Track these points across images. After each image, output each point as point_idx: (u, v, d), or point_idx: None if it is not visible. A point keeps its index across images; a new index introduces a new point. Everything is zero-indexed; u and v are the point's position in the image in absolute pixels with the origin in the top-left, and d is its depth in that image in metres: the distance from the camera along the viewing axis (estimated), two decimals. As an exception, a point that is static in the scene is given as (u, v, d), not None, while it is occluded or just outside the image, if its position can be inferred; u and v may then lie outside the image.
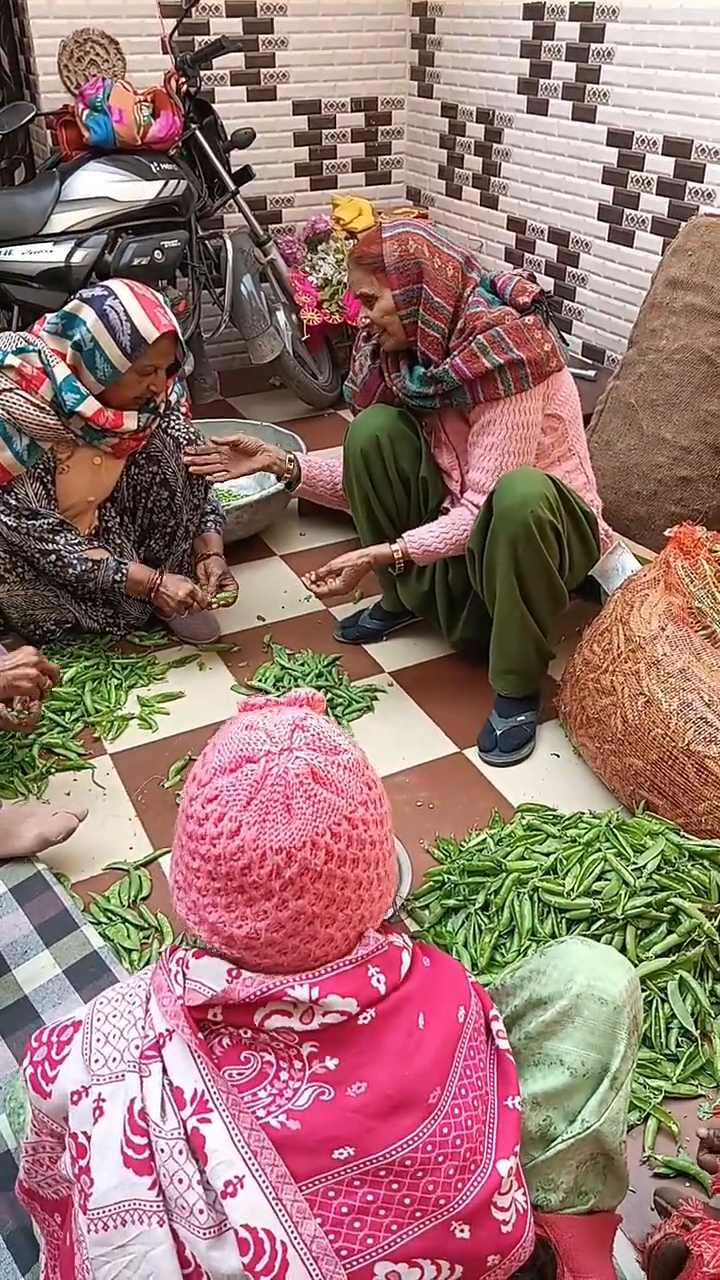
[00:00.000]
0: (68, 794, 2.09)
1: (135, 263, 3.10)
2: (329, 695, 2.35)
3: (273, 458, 2.36)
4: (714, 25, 2.75)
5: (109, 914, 1.79)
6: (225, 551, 2.55)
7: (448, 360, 2.08)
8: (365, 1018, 0.90)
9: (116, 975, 1.64)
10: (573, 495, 2.10)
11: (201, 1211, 0.86)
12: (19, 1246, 1.28)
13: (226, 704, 2.35)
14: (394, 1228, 0.87)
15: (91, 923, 1.76)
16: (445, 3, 3.73)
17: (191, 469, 2.36)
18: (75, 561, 2.28)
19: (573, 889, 1.68)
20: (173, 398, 2.47)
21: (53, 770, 2.13)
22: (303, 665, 2.46)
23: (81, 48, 3.34)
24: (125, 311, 2.13)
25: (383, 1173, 0.88)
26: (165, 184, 3.13)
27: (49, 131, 3.35)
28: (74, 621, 2.48)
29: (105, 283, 2.20)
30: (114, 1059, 0.92)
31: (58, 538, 2.27)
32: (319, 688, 2.37)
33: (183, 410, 2.53)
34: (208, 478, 2.39)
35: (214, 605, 2.41)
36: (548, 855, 1.77)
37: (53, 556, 2.28)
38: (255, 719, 0.94)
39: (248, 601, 2.69)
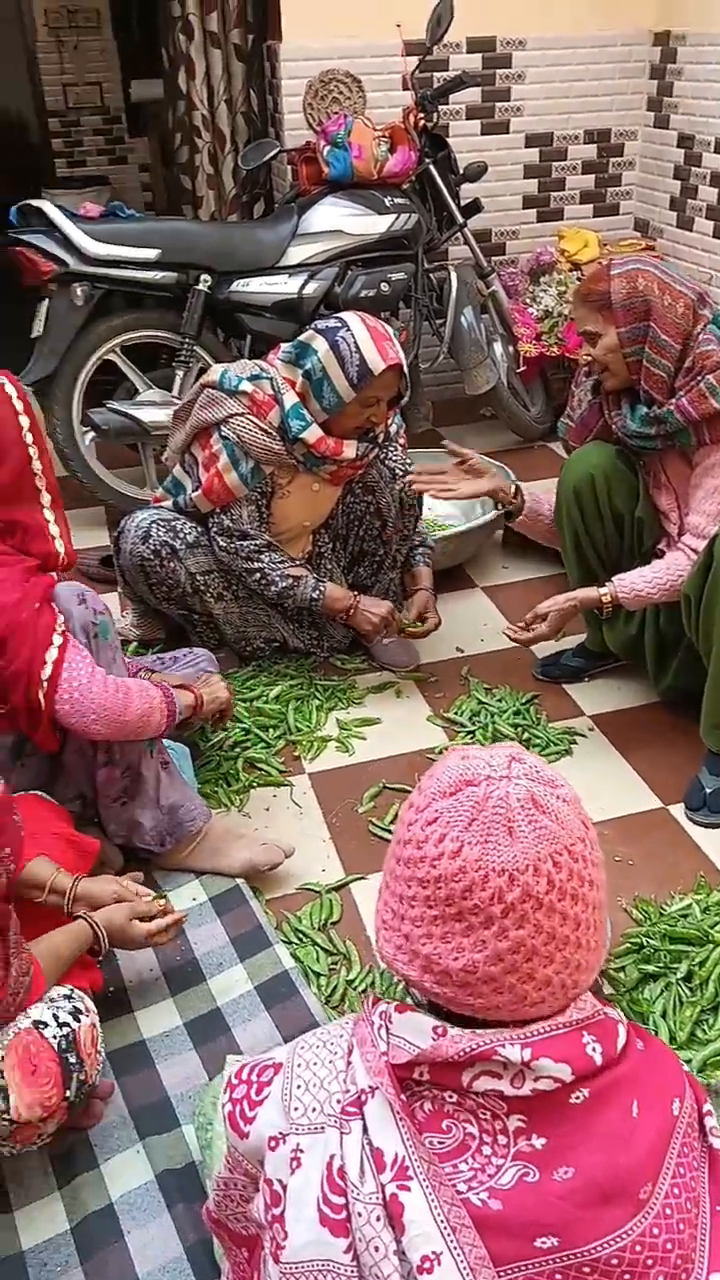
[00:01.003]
0: (267, 809, 2.13)
1: (362, 294, 3.17)
2: (525, 735, 2.30)
3: (499, 483, 2.34)
4: None
5: (300, 935, 1.81)
6: (426, 580, 2.57)
7: (673, 401, 2.00)
8: (578, 1096, 0.85)
9: (305, 999, 1.65)
10: None
11: None
12: (198, 1260, 1.30)
13: (422, 733, 2.34)
14: None
15: (283, 942, 1.78)
16: (690, 31, 3.63)
17: (415, 486, 2.37)
18: (277, 578, 2.34)
19: (790, 972, 1.56)
20: (392, 429, 2.50)
21: (255, 784, 2.19)
22: (500, 701, 2.42)
23: (326, 86, 3.46)
24: (355, 343, 2.18)
25: (587, 1269, 0.82)
26: (396, 218, 3.19)
27: (289, 167, 3.49)
28: (282, 640, 2.54)
29: (340, 314, 2.26)
30: (314, 1109, 0.90)
31: (263, 556, 2.34)
32: (515, 726, 2.33)
33: (400, 441, 2.56)
34: (431, 493, 2.38)
35: (404, 631, 2.44)
36: (762, 931, 1.65)
37: (257, 575, 2.34)
38: (470, 751, 0.92)
39: (447, 632, 2.68)
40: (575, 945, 0.86)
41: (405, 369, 2.25)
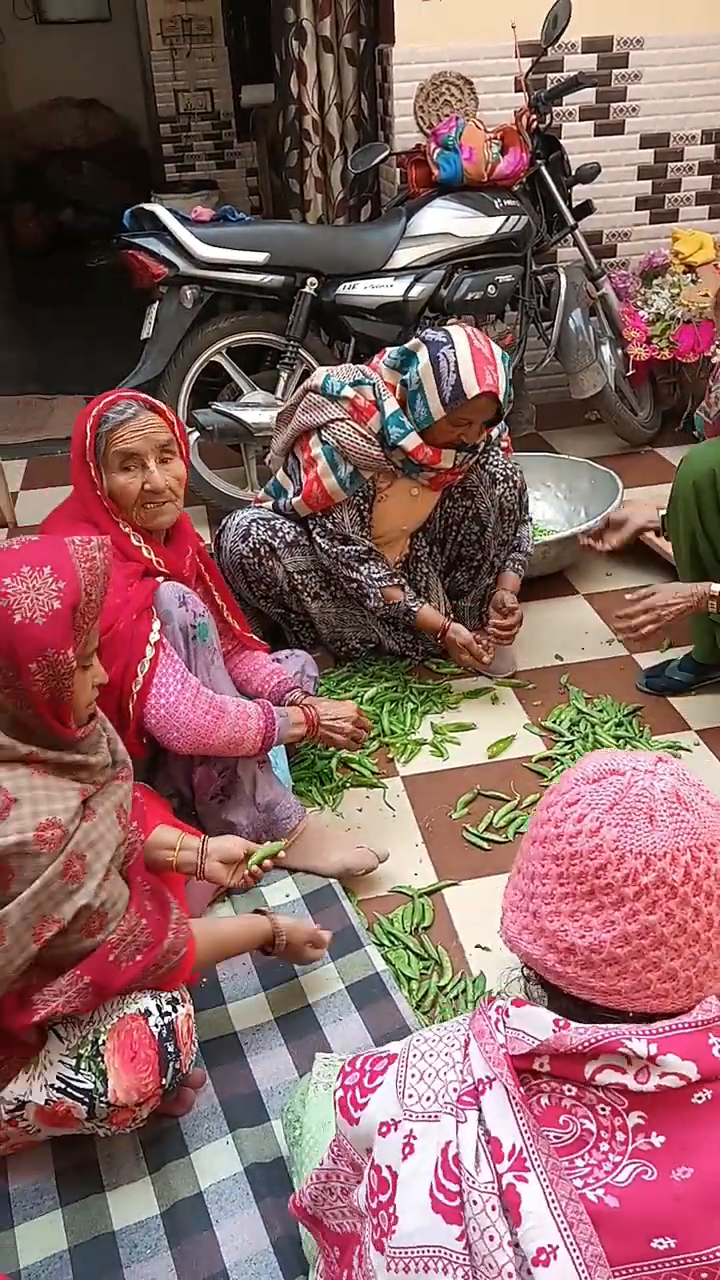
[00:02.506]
0: (360, 810, 2.13)
1: (469, 297, 3.15)
2: (626, 747, 2.24)
3: (645, 520, 2.34)
4: None
5: (391, 938, 1.80)
6: (529, 585, 2.54)
7: None
8: (701, 1097, 0.83)
9: (396, 1001, 1.64)
10: None
11: (510, 1275, 0.81)
12: (284, 1254, 1.30)
13: (518, 741, 2.31)
14: None
15: (375, 944, 1.77)
16: None
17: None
18: (372, 594, 2.33)
19: None
20: (494, 433, 2.47)
21: (348, 785, 2.19)
22: (601, 712, 2.36)
23: (437, 89, 3.46)
24: (456, 362, 2.15)
25: (705, 1275, 0.79)
26: (506, 220, 3.16)
27: (398, 170, 3.49)
28: (377, 642, 2.54)
29: (449, 329, 2.22)
30: (428, 1098, 0.90)
31: (362, 567, 2.33)
32: (616, 738, 2.27)
33: (503, 445, 2.53)
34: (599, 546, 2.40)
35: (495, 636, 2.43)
36: None
37: (354, 585, 2.34)
38: (616, 752, 0.93)
39: (546, 639, 2.63)
40: (705, 945, 0.84)
41: (503, 395, 2.21)
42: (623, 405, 3.59)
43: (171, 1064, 1.33)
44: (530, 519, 2.58)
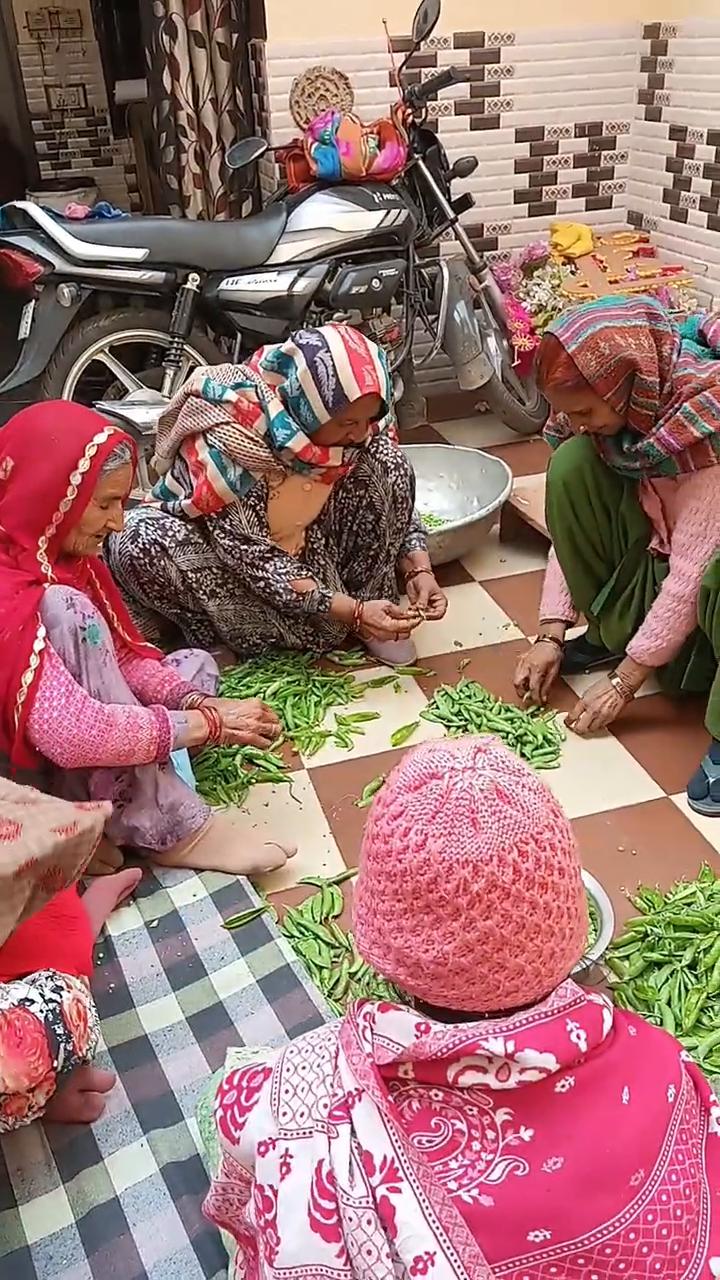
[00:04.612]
0: (266, 805, 2.12)
1: (354, 291, 3.16)
2: (522, 729, 2.28)
3: (550, 657, 2.37)
4: None
5: (301, 928, 1.80)
6: (425, 575, 2.56)
7: (653, 433, 1.94)
8: (564, 1085, 0.84)
9: (308, 991, 1.64)
10: None
11: None
12: (204, 1249, 1.30)
13: (421, 728, 2.34)
14: None
15: (284, 936, 1.77)
16: (680, 24, 3.63)
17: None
18: (282, 590, 2.33)
19: None
20: (382, 424, 2.49)
21: (253, 781, 2.18)
22: (470, 698, 2.40)
23: (313, 84, 3.46)
24: (333, 366, 2.15)
25: (581, 1260, 0.81)
26: (387, 214, 3.18)
27: (277, 165, 3.49)
28: (278, 637, 2.53)
29: (322, 330, 2.23)
30: (301, 1114, 0.89)
31: (268, 565, 2.33)
32: (512, 720, 2.32)
33: (391, 435, 2.55)
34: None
35: (420, 619, 2.41)
36: (766, 917, 1.64)
37: (262, 583, 2.34)
38: (437, 744, 0.93)
39: (445, 626, 2.67)
40: (548, 934, 0.85)
41: (384, 392, 2.23)
42: (510, 395, 3.66)
43: (63, 1045, 1.32)
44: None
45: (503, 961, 0.84)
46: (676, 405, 1.91)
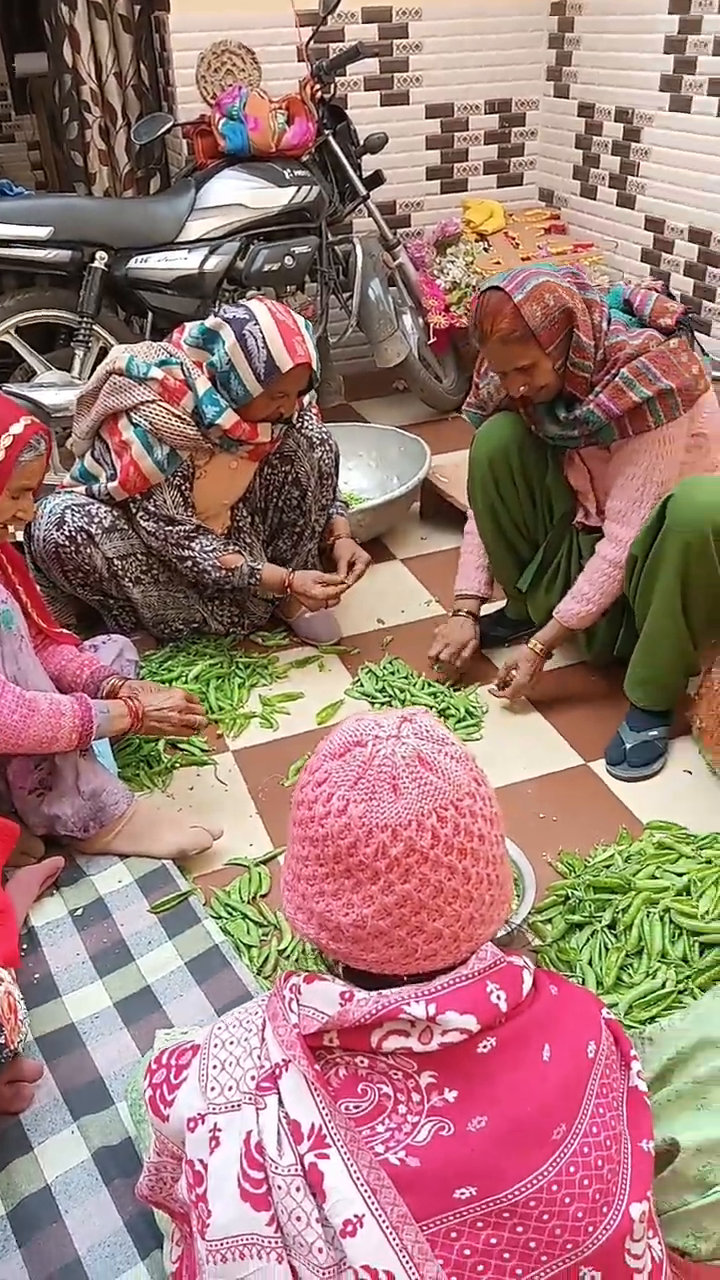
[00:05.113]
0: (191, 788, 2.11)
1: (266, 268, 3.13)
2: (444, 703, 2.31)
3: (468, 636, 2.38)
4: None
5: (229, 909, 1.80)
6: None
7: (591, 399, 1.96)
8: (485, 1046, 0.87)
9: (237, 971, 1.64)
10: None
11: (320, 1250, 0.83)
12: (138, 1230, 1.30)
13: (346, 706, 2.35)
14: (519, 1272, 0.83)
15: (212, 917, 1.77)
16: (586, 1, 3.66)
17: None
18: (210, 568, 2.31)
19: (708, 911, 1.60)
20: (306, 400, 2.48)
21: (177, 765, 2.17)
22: (393, 675, 2.42)
23: (219, 59, 3.41)
24: (263, 338, 2.14)
25: (506, 1214, 0.84)
26: (298, 190, 3.16)
27: (185, 141, 3.43)
28: (201, 622, 2.51)
29: (248, 303, 2.20)
30: (230, 1088, 0.91)
31: (194, 544, 2.30)
32: (434, 694, 2.34)
33: (314, 410, 2.54)
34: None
35: (348, 585, 2.40)
36: (681, 875, 1.70)
37: (189, 562, 2.32)
38: (365, 714, 0.94)
39: (368, 604, 2.68)
40: (466, 899, 0.87)
41: (314, 363, 2.22)
42: (427, 373, 3.67)
43: None
44: None
45: (420, 925, 0.86)
46: (614, 371, 1.93)
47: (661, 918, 1.64)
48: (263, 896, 1.84)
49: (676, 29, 3.26)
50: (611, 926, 1.69)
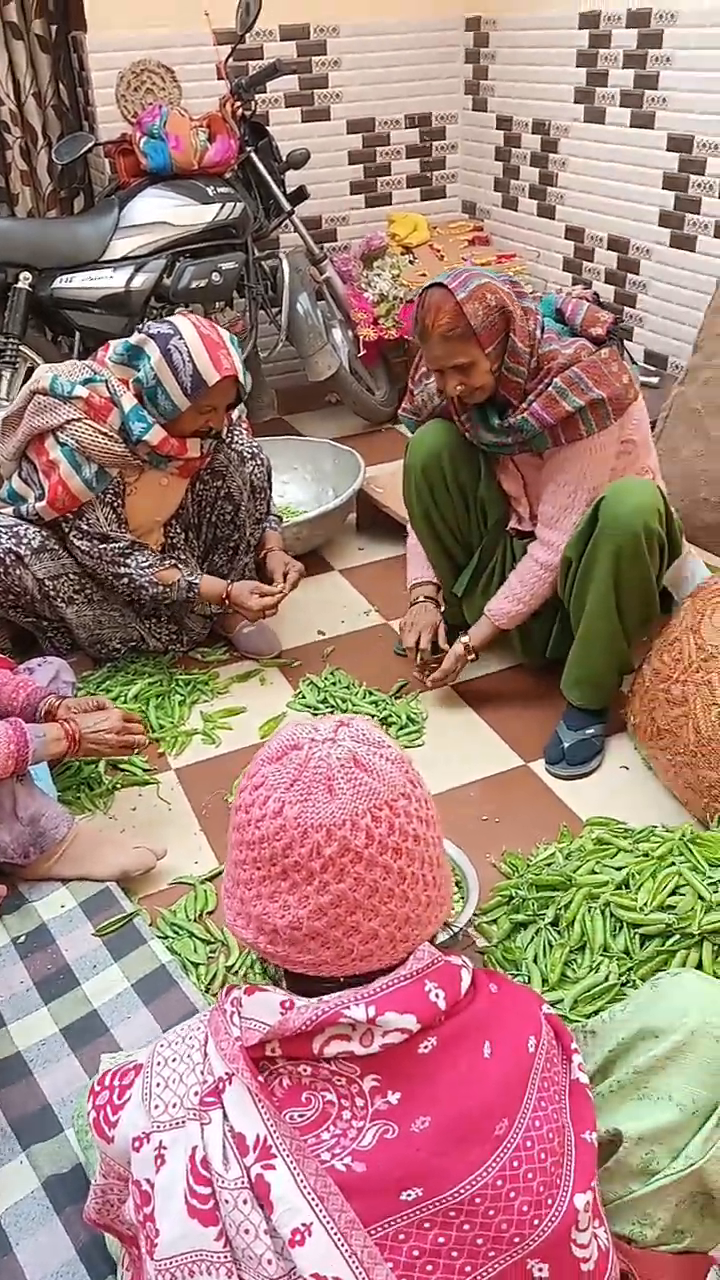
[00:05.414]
0: (133, 809, 2.10)
1: (193, 285, 3.14)
2: (386, 711, 2.33)
3: (432, 620, 2.38)
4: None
5: (175, 928, 1.79)
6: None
7: (525, 407, 1.99)
8: (426, 1046, 0.87)
9: (184, 990, 1.63)
10: (671, 507, 2.05)
11: (270, 1261, 0.83)
12: (90, 1258, 1.28)
13: (287, 719, 2.35)
14: (468, 1269, 0.84)
15: (159, 937, 1.76)
16: (500, 16, 3.74)
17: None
18: (147, 584, 2.30)
19: (646, 904, 1.63)
20: (235, 414, 2.48)
21: (119, 786, 2.15)
22: (361, 682, 2.44)
23: (138, 77, 3.41)
24: (188, 352, 2.14)
25: (453, 1213, 0.84)
26: (222, 207, 3.17)
27: (107, 160, 3.43)
28: (139, 640, 2.50)
29: (172, 319, 2.21)
30: (174, 1104, 0.90)
31: (129, 560, 2.29)
32: (375, 702, 2.36)
33: (245, 426, 2.55)
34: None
35: (284, 594, 2.40)
36: (619, 870, 1.72)
37: (126, 579, 2.30)
38: (303, 719, 0.95)
39: (308, 616, 2.69)
40: (401, 899, 0.88)
41: (241, 376, 2.23)
42: (359, 385, 3.70)
43: None
44: None
45: (356, 925, 0.86)
46: (547, 380, 1.96)
47: (602, 912, 1.66)
48: (209, 913, 1.84)
49: (587, 43, 3.34)
50: (555, 924, 1.71)
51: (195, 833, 2.04)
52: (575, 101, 3.47)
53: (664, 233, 3.26)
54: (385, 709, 2.34)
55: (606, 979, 1.59)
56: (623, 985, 1.58)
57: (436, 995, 0.88)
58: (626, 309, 3.50)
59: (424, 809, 0.92)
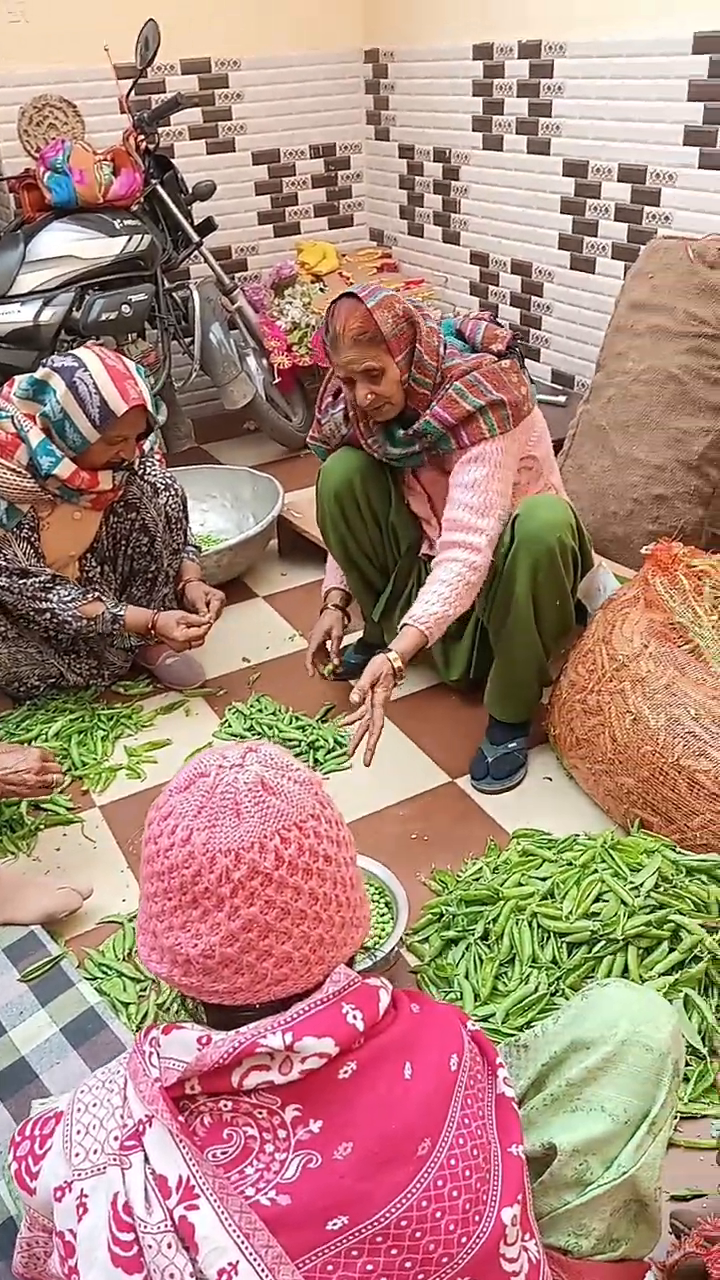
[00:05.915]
0: (57, 849, 2.06)
1: (103, 318, 3.13)
2: (314, 736, 2.33)
3: (330, 624, 2.38)
4: (658, 56, 2.81)
5: (104, 969, 1.76)
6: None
7: (428, 412, 2.03)
8: (346, 1071, 0.87)
9: (115, 1031, 1.61)
10: (581, 522, 2.10)
11: None
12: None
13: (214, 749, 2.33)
14: None
15: (87, 978, 1.73)
16: (396, 48, 3.82)
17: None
18: (70, 619, 2.28)
19: (571, 912, 1.66)
20: (146, 445, 2.48)
21: (41, 826, 2.11)
22: (286, 709, 2.44)
23: (40, 113, 3.40)
24: (94, 384, 2.13)
25: (379, 1239, 0.84)
26: (129, 240, 3.17)
27: (11, 195, 3.40)
28: (58, 676, 2.47)
29: (76, 352, 2.20)
30: (94, 1151, 0.89)
31: (50, 595, 2.27)
32: (302, 728, 2.36)
33: (157, 456, 2.54)
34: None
35: (210, 624, 2.38)
36: (544, 880, 1.75)
37: (48, 614, 2.27)
38: (213, 749, 0.95)
39: (232, 644, 2.69)
40: (315, 920, 0.88)
41: (150, 405, 2.23)
42: (275, 412, 3.72)
43: None
44: None
45: (269, 949, 0.86)
46: (449, 384, 2.01)
47: (529, 923, 1.68)
48: (138, 952, 1.80)
49: (482, 73, 3.44)
50: (484, 938, 1.72)
51: (122, 870, 2.01)
52: (474, 130, 3.56)
53: (564, 255, 3.35)
54: (313, 733, 2.34)
55: (536, 990, 1.60)
56: (552, 995, 1.60)
57: (354, 1017, 0.88)
58: (532, 330, 3.58)
59: (334, 830, 0.92)
